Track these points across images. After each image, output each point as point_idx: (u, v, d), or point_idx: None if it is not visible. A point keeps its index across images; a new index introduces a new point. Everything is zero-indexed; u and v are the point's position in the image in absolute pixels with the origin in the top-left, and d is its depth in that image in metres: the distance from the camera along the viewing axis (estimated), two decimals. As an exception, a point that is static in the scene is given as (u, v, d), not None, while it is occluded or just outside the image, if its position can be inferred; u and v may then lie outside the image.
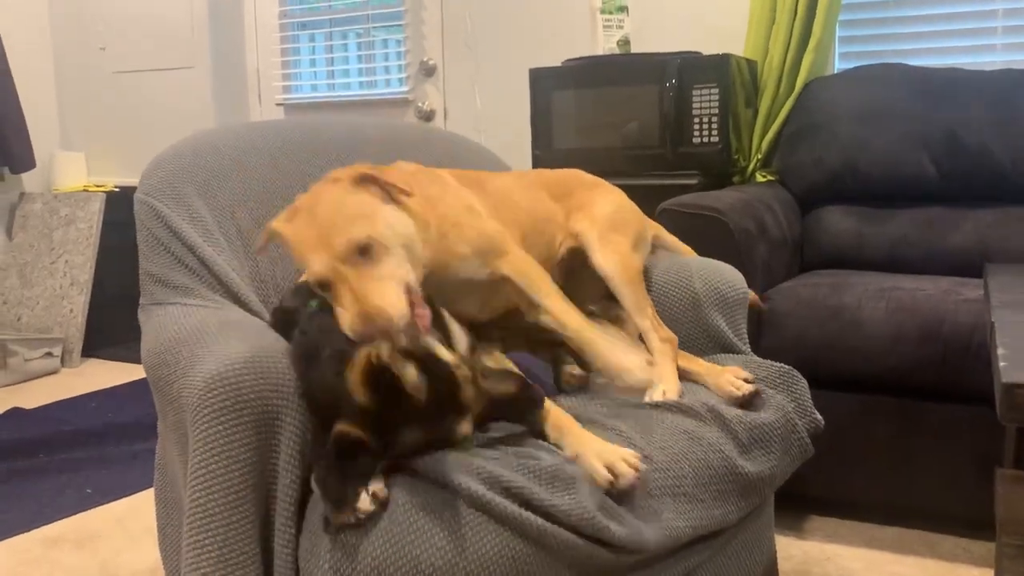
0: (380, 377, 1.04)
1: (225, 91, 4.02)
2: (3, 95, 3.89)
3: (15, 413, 3.10)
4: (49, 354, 3.70)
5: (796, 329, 2.08)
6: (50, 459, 2.65)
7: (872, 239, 2.57)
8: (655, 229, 1.87)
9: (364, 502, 1.06)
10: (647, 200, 2.27)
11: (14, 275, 4.04)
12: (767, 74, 2.85)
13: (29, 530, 2.19)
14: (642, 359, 1.43)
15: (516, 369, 1.40)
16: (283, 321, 1.29)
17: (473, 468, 1.13)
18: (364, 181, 1.21)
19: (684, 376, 1.56)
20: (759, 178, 2.88)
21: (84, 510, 2.31)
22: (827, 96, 2.71)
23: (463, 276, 1.40)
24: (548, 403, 1.27)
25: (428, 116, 3.63)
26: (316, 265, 1.13)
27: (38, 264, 4.00)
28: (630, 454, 1.22)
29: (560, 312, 1.42)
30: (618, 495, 1.19)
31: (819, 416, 1.56)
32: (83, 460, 2.64)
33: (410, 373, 1.04)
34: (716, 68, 2.63)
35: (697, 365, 1.58)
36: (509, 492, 1.12)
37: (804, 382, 1.58)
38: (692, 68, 2.64)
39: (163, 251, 1.45)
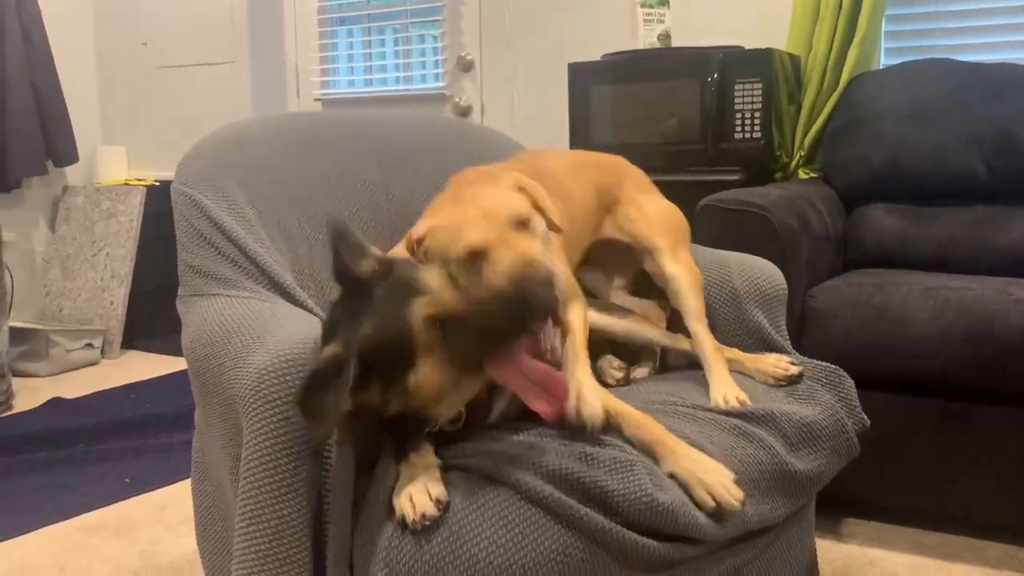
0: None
1: (264, 86, 4.04)
2: (48, 90, 3.95)
3: (56, 403, 3.14)
4: (89, 345, 3.75)
5: (839, 328, 2.04)
6: (89, 449, 2.68)
7: (917, 238, 2.51)
8: None
9: (428, 507, 1.05)
10: (688, 196, 2.24)
11: (56, 267, 4.10)
12: (811, 69, 2.80)
13: (69, 518, 2.21)
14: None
15: None
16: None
17: (529, 462, 1.12)
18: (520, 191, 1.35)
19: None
20: (802, 175, 2.84)
21: (123, 499, 2.33)
22: (872, 92, 2.66)
23: None
24: (638, 415, 1.24)
25: (465, 112, 3.61)
26: (475, 235, 1.24)
27: (80, 256, 4.05)
28: (729, 479, 1.18)
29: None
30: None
31: (865, 416, 1.53)
32: (122, 450, 2.67)
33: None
34: (759, 62, 2.59)
35: (735, 353, 1.57)
36: (567, 484, 1.11)
37: (851, 381, 1.55)
38: (734, 62, 2.60)
39: (204, 243, 1.45)
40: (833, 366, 1.56)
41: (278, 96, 4.02)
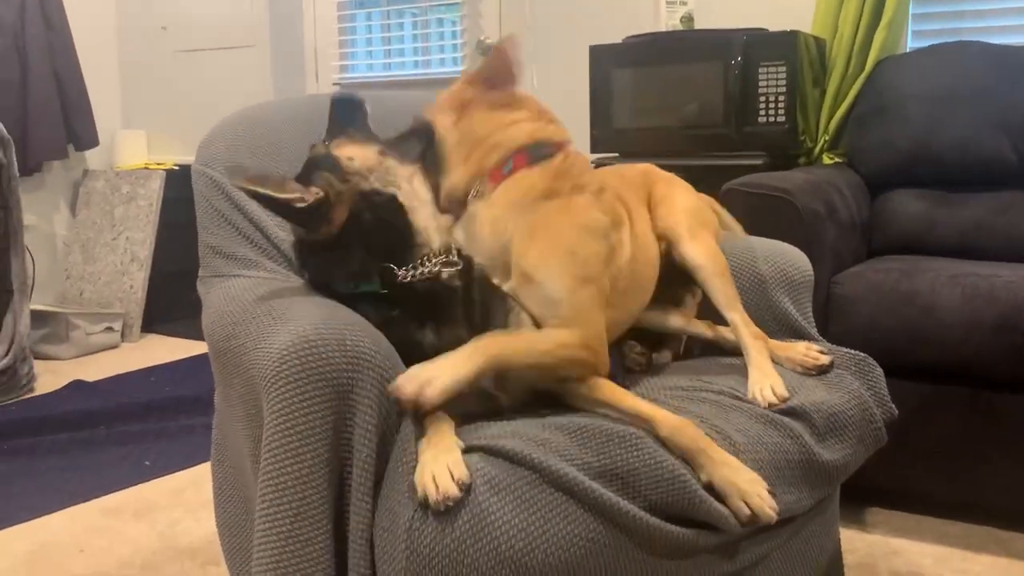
0: None
1: (284, 70, 4.03)
2: (68, 75, 3.96)
3: (77, 385, 3.16)
4: (110, 328, 3.77)
5: (865, 315, 2.01)
6: (110, 431, 2.69)
7: (944, 224, 2.47)
8: (715, 206, 1.83)
9: (451, 488, 1.03)
10: (710, 181, 2.20)
11: (77, 251, 4.12)
12: (836, 52, 2.75)
13: (89, 500, 2.22)
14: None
15: None
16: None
17: (552, 445, 1.11)
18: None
19: (729, 352, 1.54)
20: (826, 160, 2.80)
21: (143, 481, 2.34)
22: (899, 75, 2.61)
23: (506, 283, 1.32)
24: (676, 420, 1.19)
25: (485, 96, 3.58)
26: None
27: (100, 240, 4.07)
28: (764, 488, 1.16)
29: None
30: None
31: (893, 405, 1.50)
32: (142, 432, 2.68)
33: None
34: (784, 45, 2.55)
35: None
36: (590, 467, 1.10)
37: (879, 369, 1.52)
38: (759, 45, 2.56)
39: (224, 223, 1.44)
40: (862, 354, 1.53)
41: (297, 80, 4.00)
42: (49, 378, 3.25)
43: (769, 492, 1.17)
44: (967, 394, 1.93)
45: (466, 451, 1.11)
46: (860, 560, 1.86)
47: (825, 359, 1.48)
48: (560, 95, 3.29)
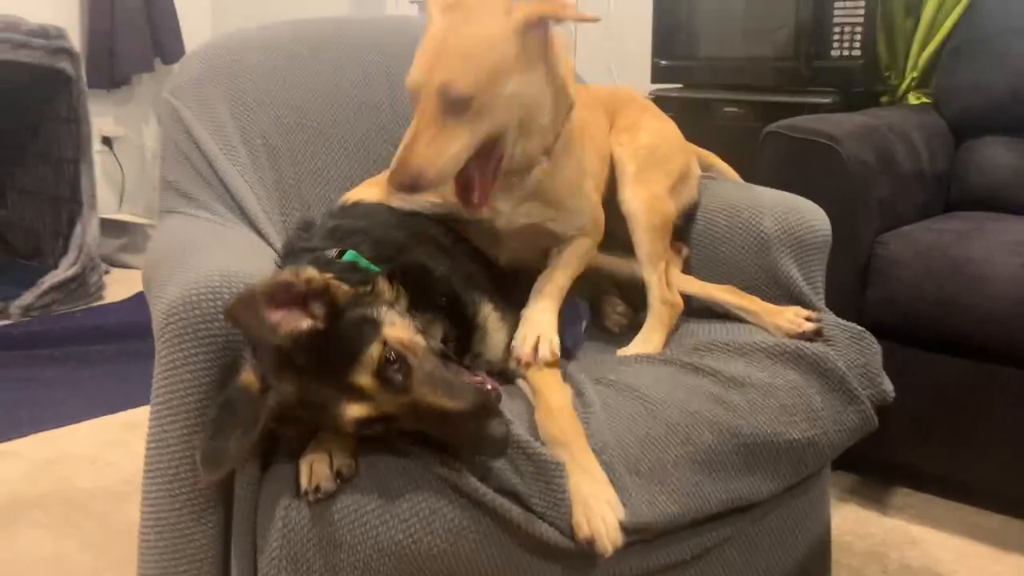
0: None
1: (362, -14, 3.96)
2: (157, -11, 4.00)
3: (142, 296, 3.25)
4: (188, 241, 3.87)
5: (909, 281, 1.80)
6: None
7: (1034, 179, 2.19)
8: (707, 156, 1.67)
9: (325, 478, 0.97)
10: (773, 120, 2.02)
11: (164, 163, 4.23)
12: (935, -25, 2.44)
13: (115, 412, 2.30)
14: None
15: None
16: (296, 235, 1.21)
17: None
18: (530, 26, 1.10)
19: (735, 315, 1.41)
20: (911, 100, 2.51)
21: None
22: (1001, 5, 2.29)
23: (539, 222, 1.28)
24: (557, 401, 1.10)
25: (558, 17, 3.41)
26: (412, 76, 1.09)
27: (185, 153, 4.16)
28: (614, 516, 1.02)
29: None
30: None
31: (889, 386, 1.34)
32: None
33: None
34: (865, -30, 2.27)
35: (751, 303, 1.41)
36: (488, 477, 1.02)
37: (877, 347, 1.35)
38: (837, -30, 2.30)
39: (181, 158, 1.40)
40: (859, 328, 1.36)
41: (375, -3, 3.93)
42: (121, 287, 3.37)
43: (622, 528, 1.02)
44: (1013, 375, 1.71)
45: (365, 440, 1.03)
46: (871, 548, 1.71)
47: (809, 326, 1.33)
48: (635, 20, 3.10)
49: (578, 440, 1.06)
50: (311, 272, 0.96)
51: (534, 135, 1.17)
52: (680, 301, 1.40)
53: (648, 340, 1.35)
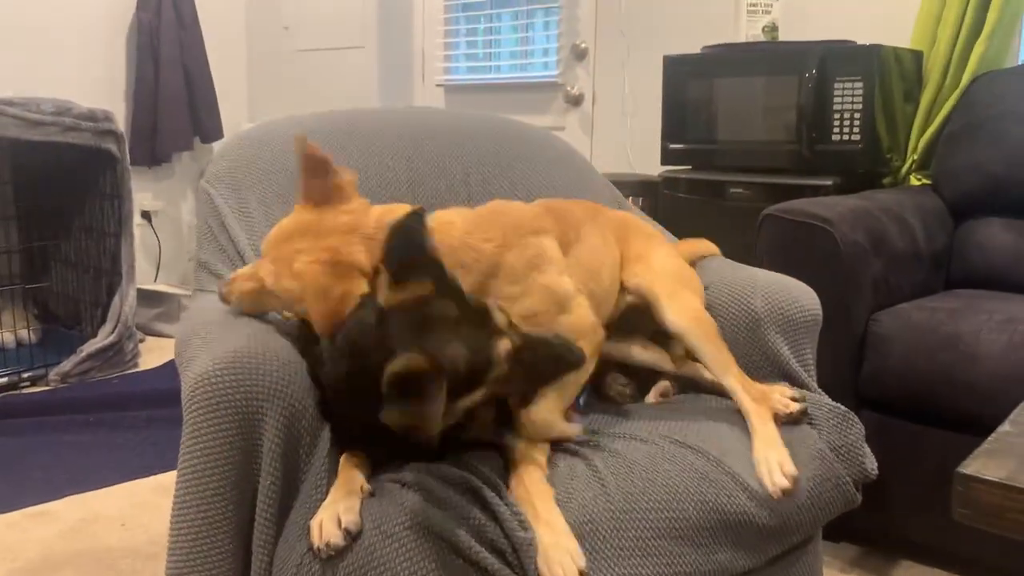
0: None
1: (391, 71, 4.16)
2: (198, 71, 4.24)
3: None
4: (220, 311, 4.02)
5: (902, 357, 1.88)
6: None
7: (1033, 259, 2.26)
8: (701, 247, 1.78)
9: (334, 536, 1.06)
10: (778, 200, 2.12)
11: (200, 236, 4.42)
12: (932, 65, 2.56)
13: (148, 476, 2.40)
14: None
15: None
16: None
17: (453, 504, 1.12)
18: None
19: (722, 393, 1.47)
20: (913, 181, 2.61)
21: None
22: (996, 91, 2.40)
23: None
24: (525, 455, 1.21)
25: (576, 100, 3.57)
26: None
27: (220, 227, 4.34)
28: (575, 566, 1.09)
29: None
30: None
31: (872, 464, 1.41)
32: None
33: None
34: (862, 59, 2.40)
35: (745, 398, 1.47)
36: (483, 536, 1.11)
37: (859, 426, 1.43)
38: (835, 59, 2.42)
39: (214, 241, 1.53)
40: (843, 409, 1.44)
41: (404, 81, 4.13)
42: (156, 355, 3.52)
43: (582, 572, 1.09)
44: (1007, 452, 1.76)
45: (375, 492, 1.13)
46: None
47: (796, 407, 1.40)
48: (649, 101, 3.25)
49: (542, 496, 1.15)
50: None
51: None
52: (766, 390, 1.43)
53: (768, 443, 1.34)
